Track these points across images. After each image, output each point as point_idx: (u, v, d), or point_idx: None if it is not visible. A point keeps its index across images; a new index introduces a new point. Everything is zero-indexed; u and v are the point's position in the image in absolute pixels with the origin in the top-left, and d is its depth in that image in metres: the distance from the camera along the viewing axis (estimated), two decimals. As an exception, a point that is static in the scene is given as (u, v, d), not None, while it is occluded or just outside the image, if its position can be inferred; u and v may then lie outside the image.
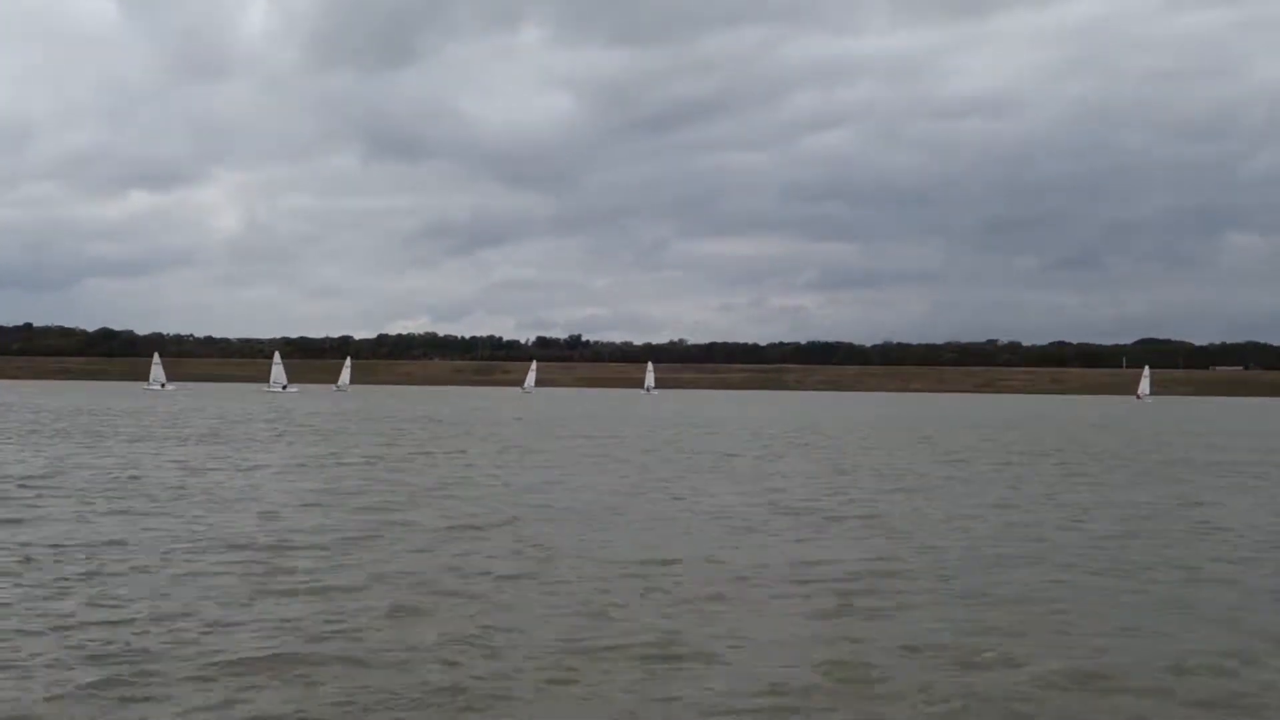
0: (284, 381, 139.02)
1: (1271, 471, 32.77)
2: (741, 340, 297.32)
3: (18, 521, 17.66)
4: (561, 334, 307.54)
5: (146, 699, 8.64)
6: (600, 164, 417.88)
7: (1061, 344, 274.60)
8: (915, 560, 15.33)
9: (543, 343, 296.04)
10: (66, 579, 12.97)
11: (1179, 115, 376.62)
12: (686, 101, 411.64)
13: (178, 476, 25.98)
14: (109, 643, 10.14)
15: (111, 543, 15.59)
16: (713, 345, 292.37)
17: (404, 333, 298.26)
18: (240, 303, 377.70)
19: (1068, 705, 8.94)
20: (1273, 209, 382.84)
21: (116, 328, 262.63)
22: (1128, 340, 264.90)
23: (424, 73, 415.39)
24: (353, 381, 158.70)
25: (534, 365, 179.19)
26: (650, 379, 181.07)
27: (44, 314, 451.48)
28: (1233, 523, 20.09)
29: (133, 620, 10.99)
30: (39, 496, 21.35)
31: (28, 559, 14.19)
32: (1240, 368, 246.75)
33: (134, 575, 13.27)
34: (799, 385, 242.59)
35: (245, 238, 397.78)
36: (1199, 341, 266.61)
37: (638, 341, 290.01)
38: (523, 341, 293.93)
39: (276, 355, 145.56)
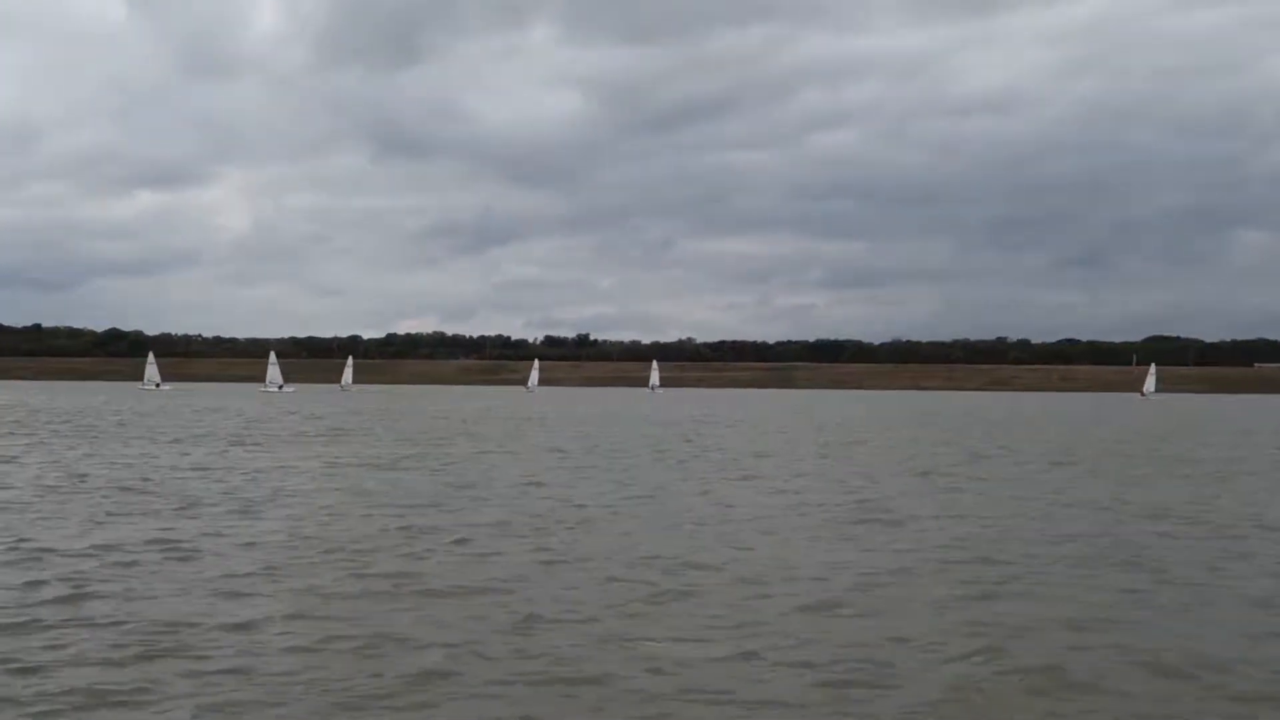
0: (280, 381, 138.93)
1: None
2: (749, 339, 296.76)
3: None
4: (569, 333, 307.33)
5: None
6: (608, 163, 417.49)
7: (1071, 341, 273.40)
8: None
9: (550, 342, 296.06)
10: None
11: (1187, 113, 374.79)
12: (694, 100, 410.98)
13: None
14: None
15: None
16: (721, 344, 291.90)
17: (411, 332, 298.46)
18: (248, 302, 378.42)
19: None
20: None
21: (125, 328, 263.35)
22: (1137, 338, 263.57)
23: (432, 72, 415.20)
24: (359, 381, 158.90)
25: (537, 364, 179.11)
26: (655, 378, 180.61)
27: (52, 314, 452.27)
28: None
29: None
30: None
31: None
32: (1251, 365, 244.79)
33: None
34: (808, 384, 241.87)
35: (253, 237, 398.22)
36: (1208, 339, 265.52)
37: (645, 340, 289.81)
38: (530, 340, 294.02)
39: (272, 355, 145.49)
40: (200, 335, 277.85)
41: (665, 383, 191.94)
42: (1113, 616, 11.86)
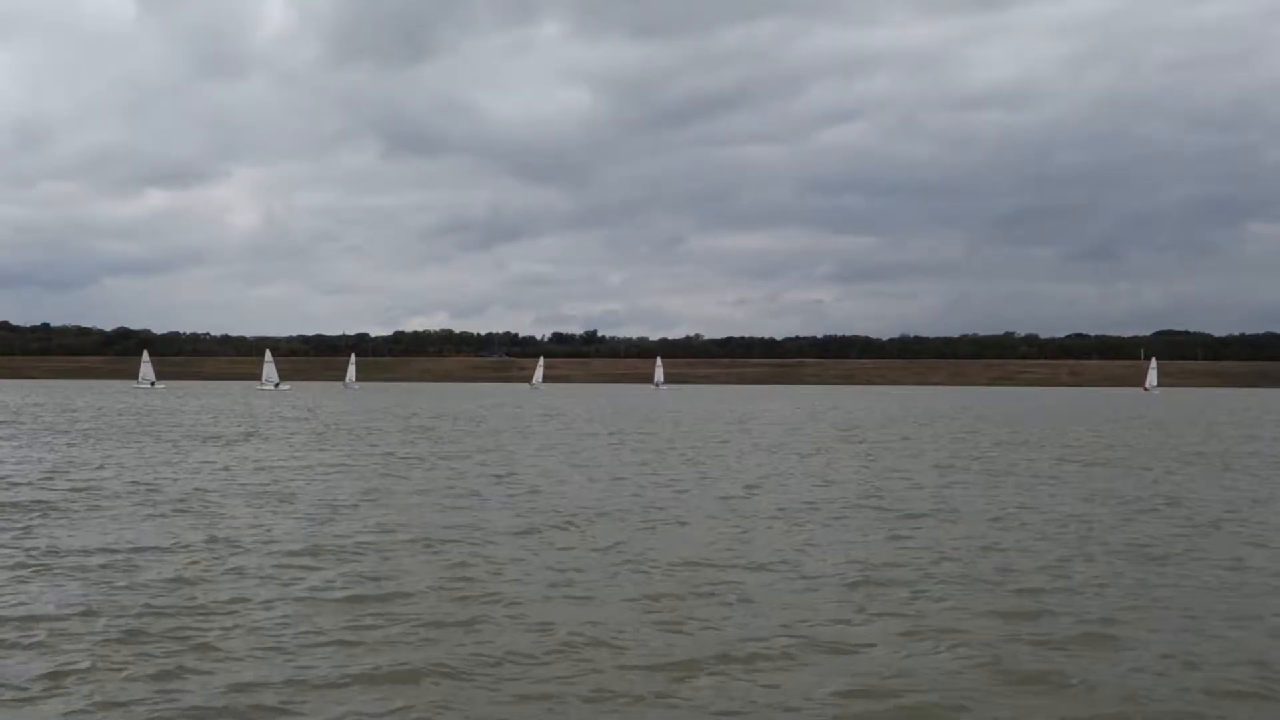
0: (276, 379, 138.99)
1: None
2: (759, 335, 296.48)
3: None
4: (578, 329, 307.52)
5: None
6: (618, 158, 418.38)
7: (1079, 336, 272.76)
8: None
9: (558, 338, 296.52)
10: None
11: (1199, 105, 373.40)
12: (704, 95, 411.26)
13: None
14: None
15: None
16: (729, 340, 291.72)
17: (420, 329, 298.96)
18: (257, 300, 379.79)
19: None
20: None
21: (134, 326, 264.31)
22: (1146, 332, 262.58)
23: (442, 68, 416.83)
24: (367, 379, 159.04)
25: (541, 361, 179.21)
26: (660, 374, 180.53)
27: (61, 313, 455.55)
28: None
29: None
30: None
31: None
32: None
33: None
34: (816, 379, 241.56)
35: (262, 235, 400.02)
36: (1218, 333, 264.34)
37: (653, 337, 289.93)
38: (539, 337, 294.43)
39: (268, 353, 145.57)
40: (209, 334, 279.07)
41: (672, 379, 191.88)
42: None
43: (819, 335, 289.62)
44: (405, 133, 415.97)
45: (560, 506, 20.14)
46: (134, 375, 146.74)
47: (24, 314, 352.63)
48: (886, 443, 40.77)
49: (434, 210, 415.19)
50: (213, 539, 15.84)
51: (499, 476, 26.08)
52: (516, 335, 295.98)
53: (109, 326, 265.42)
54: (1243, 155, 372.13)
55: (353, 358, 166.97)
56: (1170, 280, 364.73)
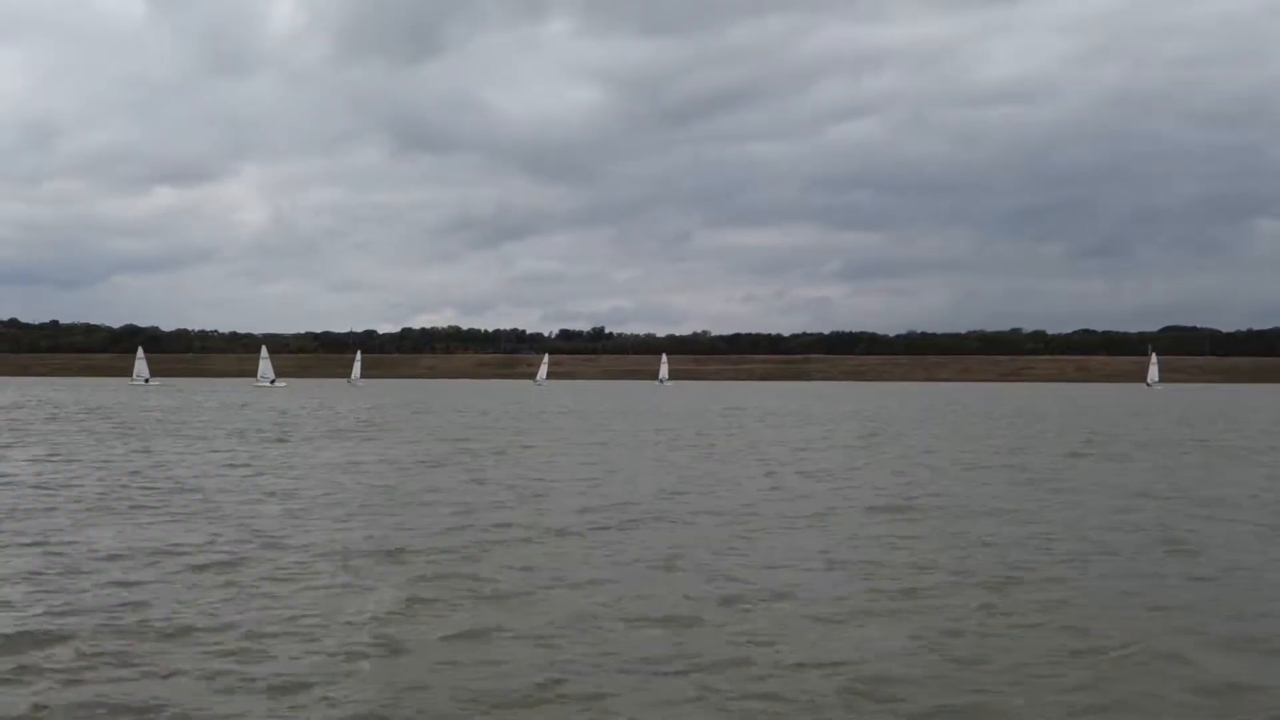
0: (271, 376, 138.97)
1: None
2: (766, 331, 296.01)
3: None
4: (585, 326, 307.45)
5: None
6: (626, 155, 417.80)
7: (1086, 332, 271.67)
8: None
9: (566, 335, 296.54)
10: None
11: (1207, 101, 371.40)
12: (712, 92, 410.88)
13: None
14: None
15: None
16: (736, 336, 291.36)
17: (427, 326, 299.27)
18: (265, 298, 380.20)
19: None
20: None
21: (142, 324, 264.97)
22: (1154, 328, 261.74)
23: (450, 65, 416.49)
24: (372, 375, 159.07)
25: (546, 358, 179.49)
26: (664, 370, 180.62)
27: (70, 311, 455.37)
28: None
29: None
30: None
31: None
32: None
33: None
34: (823, 375, 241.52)
35: (271, 233, 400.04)
36: (1225, 328, 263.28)
37: (661, 333, 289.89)
38: (546, 334, 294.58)
39: (264, 350, 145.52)
40: (216, 331, 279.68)
41: (679, 376, 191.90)
42: None
43: (826, 332, 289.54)
44: (413, 130, 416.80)
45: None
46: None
47: (33, 312, 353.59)
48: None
49: (442, 207, 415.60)
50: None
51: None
52: (524, 332, 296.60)
53: (117, 324, 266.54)
54: (1250, 152, 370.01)
55: (359, 355, 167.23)
56: (1178, 276, 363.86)
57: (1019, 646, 9.72)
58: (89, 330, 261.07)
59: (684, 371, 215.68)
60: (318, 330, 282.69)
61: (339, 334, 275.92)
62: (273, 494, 20.51)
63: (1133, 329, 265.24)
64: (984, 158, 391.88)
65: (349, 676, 8.75)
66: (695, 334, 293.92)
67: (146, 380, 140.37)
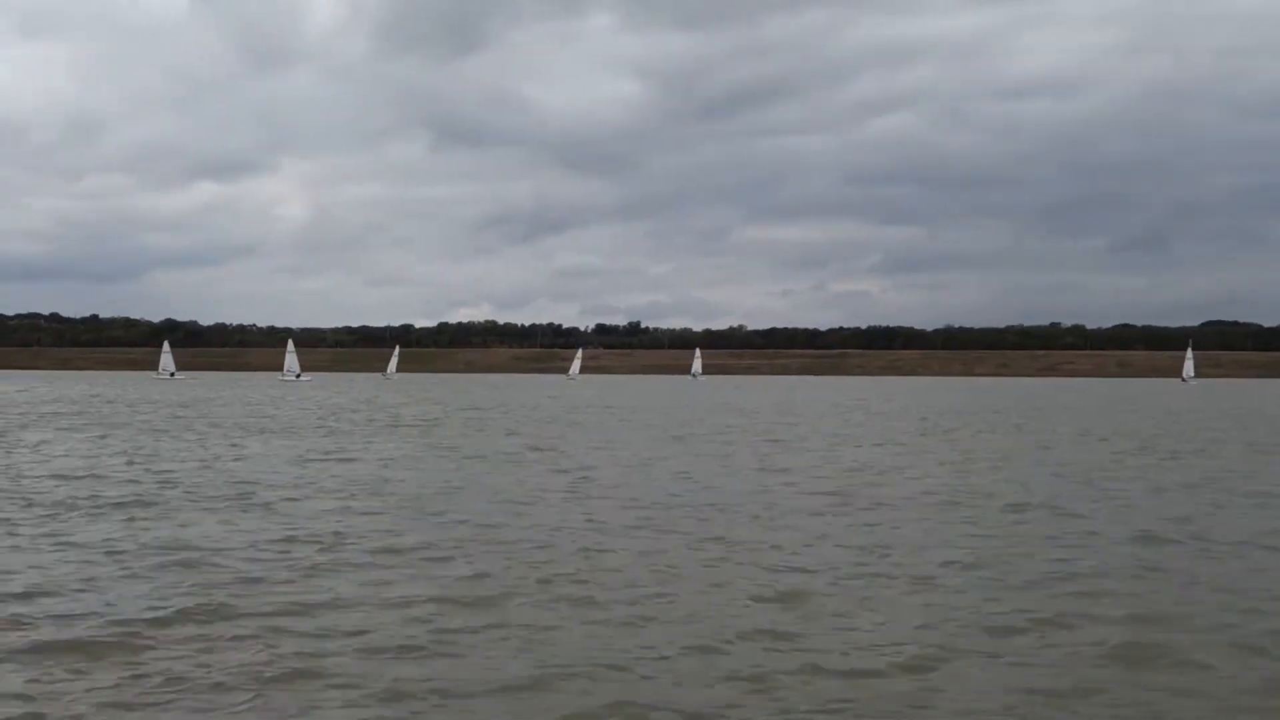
0: (297, 370, 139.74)
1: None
2: (804, 326, 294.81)
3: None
4: (622, 320, 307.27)
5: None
6: (664, 149, 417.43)
7: (1126, 327, 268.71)
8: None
9: (602, 330, 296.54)
10: None
11: (1248, 92, 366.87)
12: (750, 85, 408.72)
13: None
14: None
15: None
16: (772, 330, 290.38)
17: (464, 321, 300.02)
18: (304, 293, 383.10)
19: None
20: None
21: (181, 318, 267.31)
22: (1195, 322, 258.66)
23: (490, 60, 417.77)
24: (410, 370, 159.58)
25: (579, 353, 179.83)
26: (697, 365, 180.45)
27: (110, 305, 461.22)
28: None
29: None
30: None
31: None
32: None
33: None
34: (860, 370, 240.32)
35: (310, 227, 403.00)
36: (1269, 323, 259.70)
37: (697, 328, 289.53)
38: (583, 329, 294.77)
39: (290, 344, 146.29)
40: (255, 326, 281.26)
41: (714, 370, 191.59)
42: None
43: (863, 326, 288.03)
44: (453, 125, 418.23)
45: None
46: (179, 366, 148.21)
47: (74, 306, 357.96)
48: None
49: (481, 202, 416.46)
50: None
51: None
52: (560, 326, 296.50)
53: (157, 318, 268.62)
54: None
55: (396, 349, 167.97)
56: (1219, 270, 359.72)
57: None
58: (129, 324, 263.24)
59: (719, 366, 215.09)
60: (355, 325, 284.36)
61: (377, 328, 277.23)
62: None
63: (1174, 323, 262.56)
64: (1023, 151, 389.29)
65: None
66: (731, 328, 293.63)
67: (172, 374, 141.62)
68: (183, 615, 11.03)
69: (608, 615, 11.27)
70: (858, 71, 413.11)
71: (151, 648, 9.93)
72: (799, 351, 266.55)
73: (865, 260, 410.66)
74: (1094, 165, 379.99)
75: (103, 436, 36.40)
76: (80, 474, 24.08)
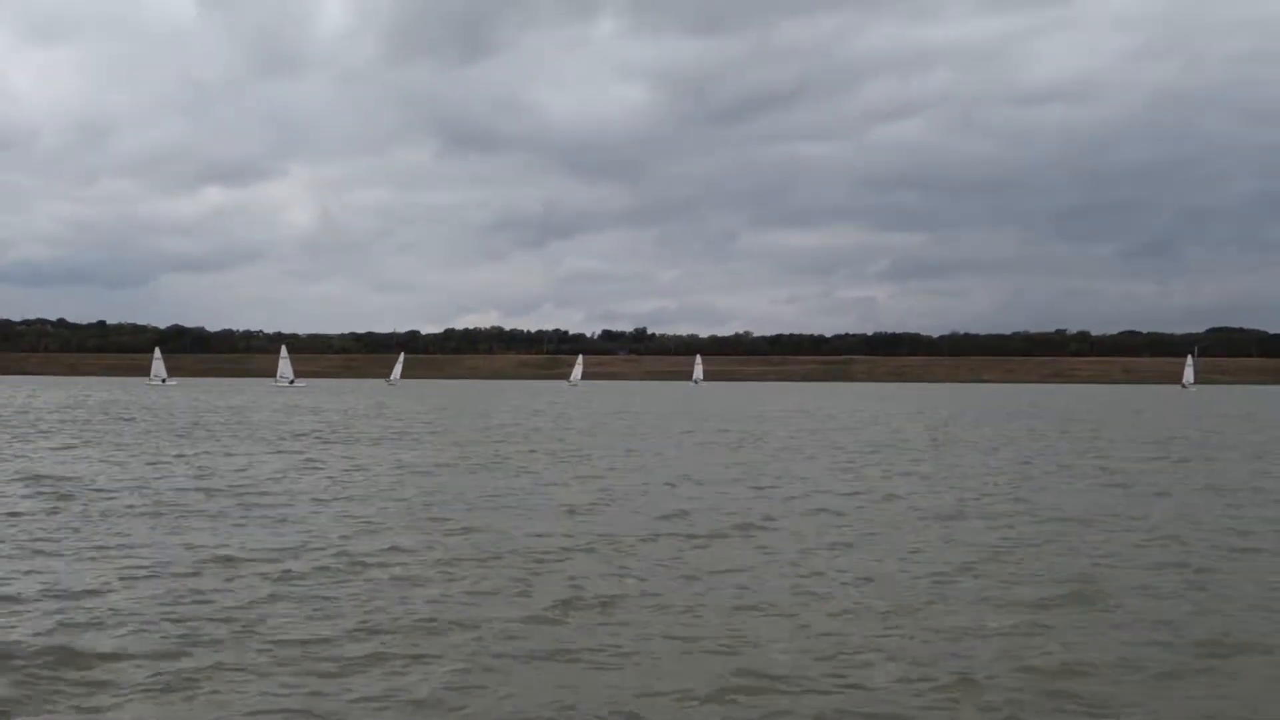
0: (290, 376, 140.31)
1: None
2: (811, 332, 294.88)
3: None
4: (628, 327, 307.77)
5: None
6: (673, 155, 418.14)
7: (1131, 333, 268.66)
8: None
9: (608, 336, 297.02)
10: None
11: (1261, 100, 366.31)
12: (760, 91, 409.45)
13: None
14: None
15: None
16: (778, 337, 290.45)
17: (471, 327, 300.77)
18: (312, 298, 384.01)
19: None
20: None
21: (189, 324, 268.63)
22: (1202, 329, 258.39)
23: (499, 65, 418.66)
24: (415, 376, 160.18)
25: (580, 359, 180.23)
26: (699, 371, 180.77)
27: (118, 311, 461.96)
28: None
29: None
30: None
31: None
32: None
33: None
34: (866, 377, 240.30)
35: (319, 233, 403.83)
36: (1274, 330, 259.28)
37: (704, 334, 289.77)
38: (589, 335, 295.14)
39: (284, 349, 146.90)
40: (261, 331, 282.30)
41: (719, 376, 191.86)
42: None
43: (870, 333, 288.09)
44: (461, 130, 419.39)
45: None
46: (187, 372, 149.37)
47: (81, 311, 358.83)
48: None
49: (489, 207, 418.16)
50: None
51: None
52: (566, 333, 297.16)
53: (164, 324, 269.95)
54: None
55: (401, 356, 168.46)
56: (1227, 276, 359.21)
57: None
58: (136, 330, 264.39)
59: (725, 373, 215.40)
60: (361, 330, 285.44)
61: (382, 334, 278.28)
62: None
63: (1180, 330, 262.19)
64: (1033, 157, 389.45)
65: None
66: (737, 334, 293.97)
67: (164, 380, 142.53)
68: None
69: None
70: (869, 78, 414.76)
71: None
72: (804, 358, 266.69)
73: (873, 267, 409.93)
74: (1105, 172, 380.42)
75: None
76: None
